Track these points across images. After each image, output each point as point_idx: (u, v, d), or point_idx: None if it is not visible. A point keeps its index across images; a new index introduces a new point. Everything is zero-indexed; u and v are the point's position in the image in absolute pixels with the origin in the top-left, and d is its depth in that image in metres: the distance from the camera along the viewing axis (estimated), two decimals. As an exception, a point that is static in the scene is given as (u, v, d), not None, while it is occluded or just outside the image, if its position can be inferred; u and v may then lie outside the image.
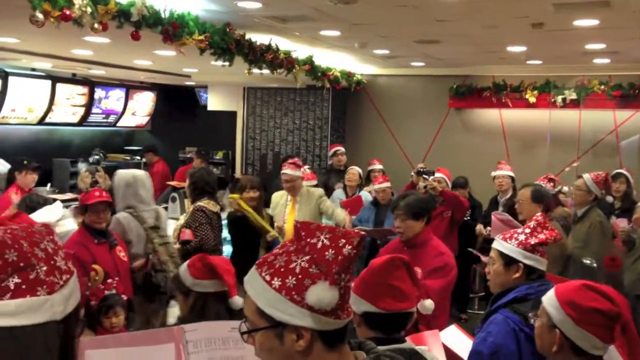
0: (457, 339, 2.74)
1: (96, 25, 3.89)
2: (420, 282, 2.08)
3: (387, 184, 6.02)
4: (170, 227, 5.52)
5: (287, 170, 5.43)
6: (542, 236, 2.44)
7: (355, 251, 1.20)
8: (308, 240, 1.22)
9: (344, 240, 1.20)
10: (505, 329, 2.25)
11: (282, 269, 1.21)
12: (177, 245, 4.65)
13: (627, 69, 7.50)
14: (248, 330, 1.25)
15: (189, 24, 4.57)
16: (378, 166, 7.20)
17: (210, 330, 1.96)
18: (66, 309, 1.07)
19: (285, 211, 5.40)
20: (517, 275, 2.42)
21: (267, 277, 1.21)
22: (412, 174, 6.49)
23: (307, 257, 1.20)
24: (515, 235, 2.48)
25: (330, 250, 1.19)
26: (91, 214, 3.87)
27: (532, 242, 2.43)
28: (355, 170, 6.77)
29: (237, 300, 2.41)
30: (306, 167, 6.92)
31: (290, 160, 5.61)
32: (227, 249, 6.45)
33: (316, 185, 6.22)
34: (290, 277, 1.20)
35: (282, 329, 1.20)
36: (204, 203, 4.75)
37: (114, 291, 3.32)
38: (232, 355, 1.94)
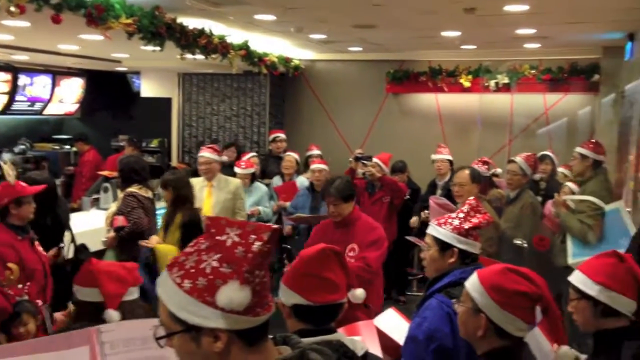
0: (394, 323, 2.74)
1: (12, 9, 3.67)
2: (351, 270, 2.04)
3: (325, 167, 6.01)
4: (102, 218, 5.38)
5: (204, 153, 5.50)
6: (475, 220, 2.46)
7: (268, 246, 1.15)
8: (217, 237, 1.17)
9: (254, 236, 1.15)
10: (439, 314, 2.26)
11: (193, 270, 1.16)
12: (112, 233, 4.59)
13: (556, 53, 7.74)
14: (163, 335, 1.20)
15: (114, 6, 4.36)
16: (316, 152, 7.16)
17: (129, 330, 1.87)
18: None
19: (201, 196, 5.39)
20: (452, 260, 2.44)
21: (178, 280, 1.16)
22: (350, 159, 6.53)
23: (218, 256, 1.15)
24: (450, 220, 2.49)
25: (239, 247, 1.15)
26: (27, 206, 3.68)
27: (466, 227, 2.44)
28: (291, 157, 6.70)
29: (111, 314, 2.22)
30: (252, 154, 6.82)
31: (209, 145, 5.72)
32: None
33: (254, 174, 6.15)
34: (200, 278, 1.15)
35: (197, 332, 1.16)
36: (135, 189, 4.73)
37: (25, 297, 3.06)
38: (153, 355, 1.84)
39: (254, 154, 7.04)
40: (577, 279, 2.12)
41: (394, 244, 5.75)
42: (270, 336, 1.27)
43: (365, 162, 5.92)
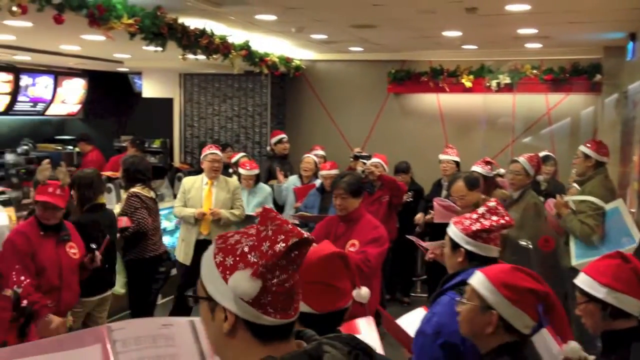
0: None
1: (14, 9, 3.67)
2: (354, 270, 2.02)
3: (335, 171, 5.98)
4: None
5: (216, 151, 5.53)
6: (486, 223, 2.43)
7: (289, 250, 1.16)
8: (260, 227, 1.21)
9: (282, 237, 1.17)
10: (450, 310, 2.25)
11: (229, 247, 1.21)
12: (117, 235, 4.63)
13: (557, 53, 7.73)
14: (191, 295, 1.26)
15: (116, 7, 4.37)
16: (320, 152, 7.17)
17: (139, 328, 1.86)
18: None
19: (201, 195, 5.40)
20: (460, 259, 2.44)
21: (215, 251, 1.23)
22: (350, 158, 6.53)
23: (251, 243, 1.19)
24: (464, 220, 2.50)
25: (267, 242, 1.17)
26: (39, 208, 3.72)
27: (474, 228, 2.43)
28: (310, 159, 6.67)
29: None
30: (242, 154, 6.82)
31: (211, 144, 5.87)
32: (170, 240, 6.33)
33: (258, 174, 6.16)
34: (230, 257, 1.20)
35: (214, 304, 1.22)
36: (138, 189, 4.77)
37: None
38: (163, 354, 1.84)
39: (244, 154, 7.03)
40: (583, 281, 2.12)
41: (394, 243, 5.75)
42: None
43: (364, 160, 5.93)
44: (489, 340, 1.91)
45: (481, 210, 2.49)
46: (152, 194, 4.87)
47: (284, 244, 1.16)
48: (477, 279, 1.94)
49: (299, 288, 1.26)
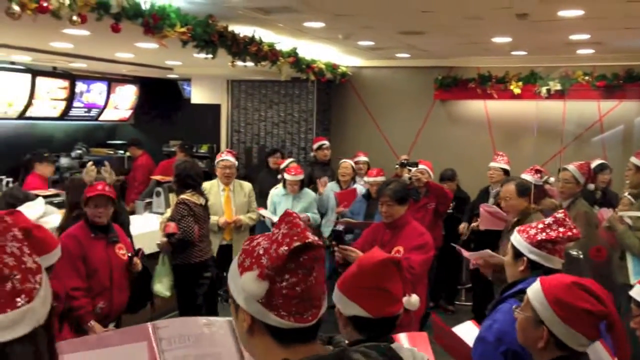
0: (471, 334, 2.71)
1: (74, 18, 3.81)
2: (407, 279, 2.03)
3: (381, 178, 5.96)
4: (156, 222, 5.54)
5: (229, 157, 5.59)
6: (552, 233, 2.39)
7: (295, 254, 1.17)
8: (275, 230, 1.24)
9: (287, 240, 1.19)
10: (511, 317, 2.21)
11: (250, 249, 1.25)
12: (164, 239, 4.77)
13: (610, 59, 7.53)
14: (224, 294, 1.30)
15: (170, 15, 4.49)
16: (363, 158, 7.18)
17: (184, 326, 1.90)
18: (46, 309, 1.02)
19: (220, 201, 5.49)
20: (521, 268, 2.42)
21: (240, 252, 1.27)
22: (396, 165, 6.51)
23: (267, 245, 1.22)
24: (529, 229, 2.46)
25: (275, 245, 1.20)
26: (91, 207, 3.83)
27: (539, 238, 2.39)
28: (347, 164, 6.73)
29: None
30: (290, 160, 6.89)
31: (227, 149, 5.81)
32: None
33: (303, 180, 6.20)
34: (248, 258, 1.24)
35: (237, 305, 1.26)
36: (188, 196, 4.84)
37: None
38: (206, 353, 1.88)
39: (293, 159, 7.11)
40: (639, 293, 2.06)
41: (440, 250, 5.71)
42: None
43: (411, 167, 5.91)
44: (542, 354, 1.86)
45: (548, 220, 2.45)
46: (201, 200, 4.90)
47: (286, 248, 1.17)
48: (533, 290, 1.88)
49: (321, 294, 1.25)
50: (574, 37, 6.11)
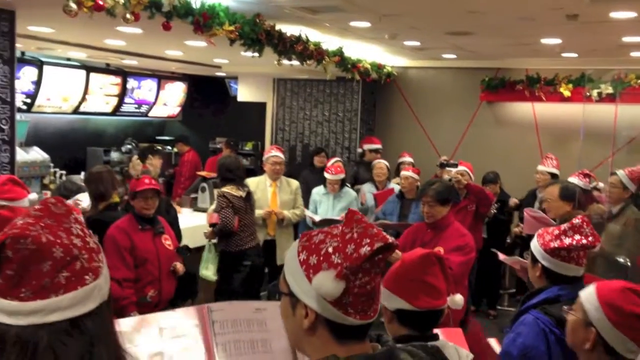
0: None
1: (128, 16, 3.95)
2: (449, 276, 2.05)
3: (414, 175, 5.95)
4: (194, 218, 5.68)
5: (278, 153, 5.69)
6: (566, 241, 2.27)
7: (374, 255, 1.18)
8: (344, 228, 1.23)
9: (367, 240, 1.18)
10: (535, 330, 2.20)
11: (313, 247, 1.24)
12: (210, 228, 5.08)
13: (666, 62, 7.29)
14: (276, 290, 1.32)
15: (219, 14, 4.60)
16: (408, 159, 7.17)
17: (236, 311, 1.91)
18: (108, 286, 1.12)
19: (267, 197, 5.56)
20: (537, 274, 2.37)
21: (300, 249, 1.26)
22: (437, 166, 6.47)
23: (336, 244, 1.21)
24: (546, 233, 2.39)
25: (352, 244, 1.19)
26: (139, 200, 3.98)
27: (552, 246, 2.31)
28: (382, 164, 6.75)
29: None
30: (336, 159, 6.93)
31: (275, 146, 6.01)
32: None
33: (344, 179, 6.21)
34: (314, 256, 1.22)
35: (296, 300, 1.25)
36: (228, 189, 5.05)
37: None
38: (256, 338, 1.88)
39: (338, 159, 7.14)
40: None
41: (480, 253, 5.64)
42: None
43: (450, 168, 5.87)
44: (589, 356, 1.83)
45: (564, 226, 2.34)
46: (241, 193, 5.07)
47: (369, 248, 1.16)
48: (587, 292, 1.85)
49: (379, 290, 1.27)
50: (627, 39, 5.95)
